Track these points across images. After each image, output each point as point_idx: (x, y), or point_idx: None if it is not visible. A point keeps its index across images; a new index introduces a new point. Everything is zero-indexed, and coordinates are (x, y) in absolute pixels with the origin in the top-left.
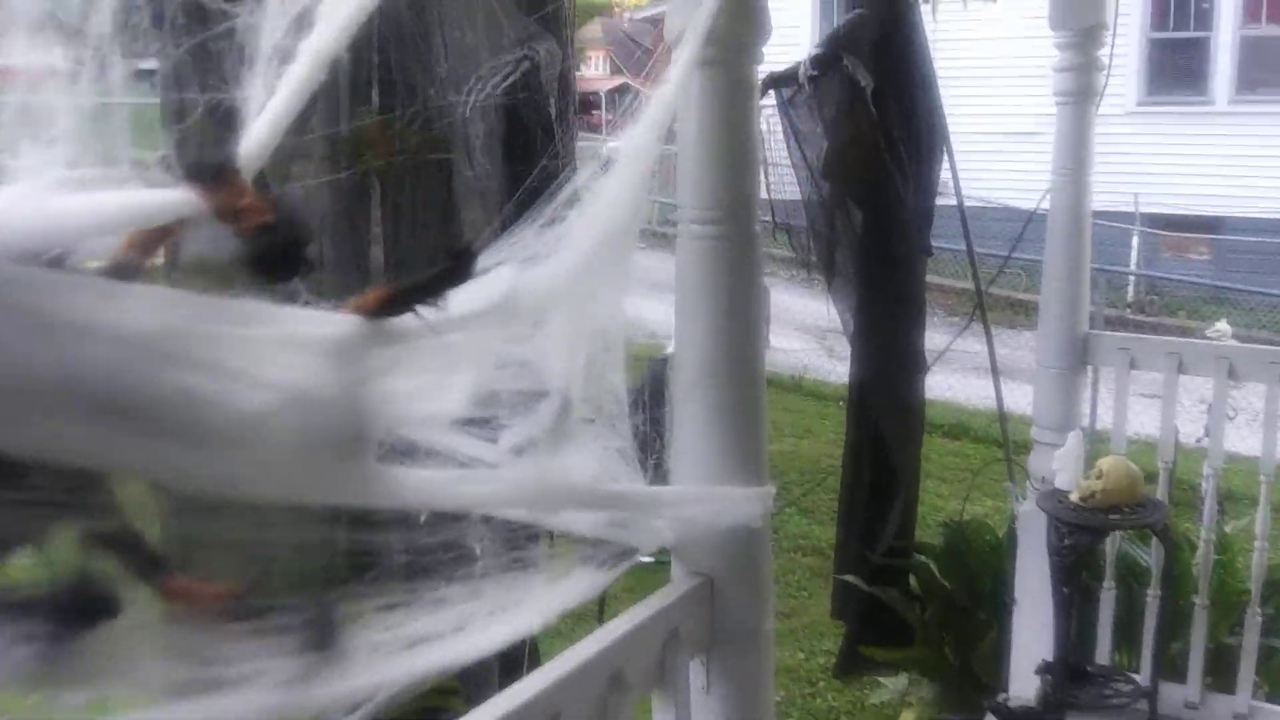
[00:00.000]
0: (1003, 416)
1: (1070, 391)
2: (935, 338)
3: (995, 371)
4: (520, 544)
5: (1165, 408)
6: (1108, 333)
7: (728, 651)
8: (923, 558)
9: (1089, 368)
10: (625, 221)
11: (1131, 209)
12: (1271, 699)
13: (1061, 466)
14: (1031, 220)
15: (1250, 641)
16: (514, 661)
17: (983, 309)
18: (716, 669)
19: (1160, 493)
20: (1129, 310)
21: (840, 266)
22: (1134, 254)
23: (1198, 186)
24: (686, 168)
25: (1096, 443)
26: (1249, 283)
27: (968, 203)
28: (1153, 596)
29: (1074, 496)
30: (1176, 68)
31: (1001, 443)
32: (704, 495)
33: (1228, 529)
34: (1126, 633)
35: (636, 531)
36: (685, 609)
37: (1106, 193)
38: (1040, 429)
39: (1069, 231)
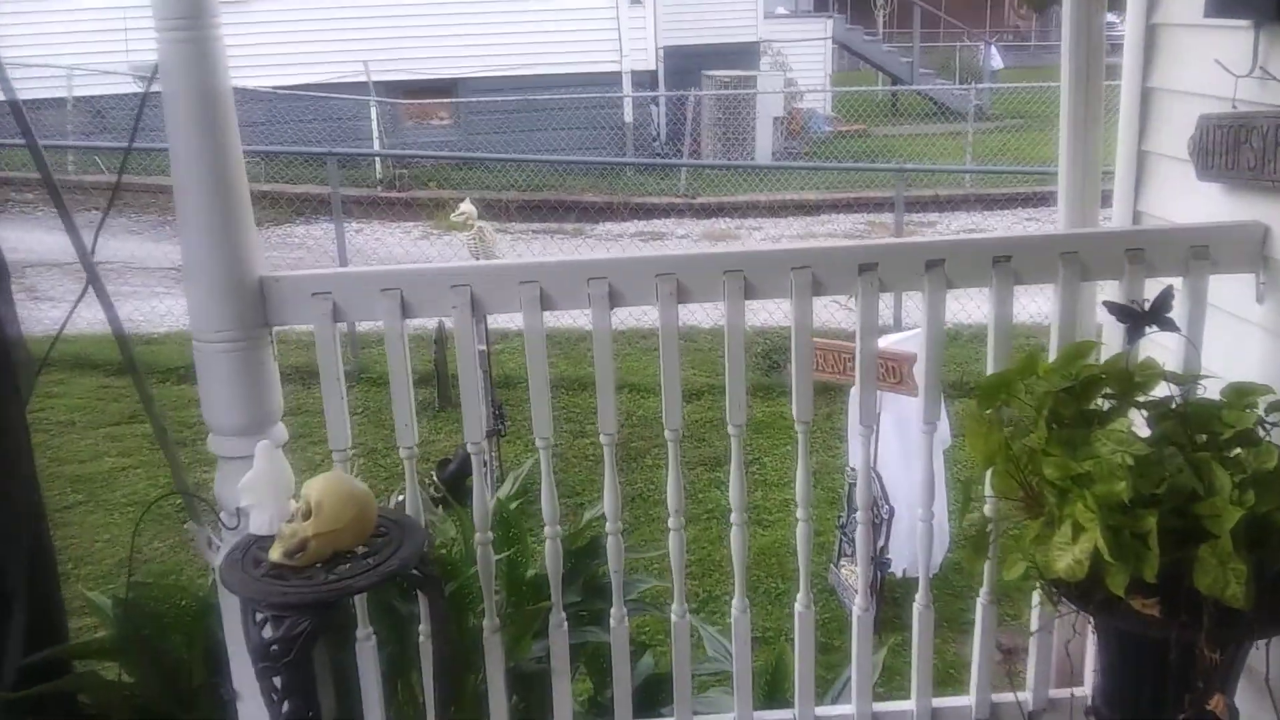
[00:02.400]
0: (144, 392)
1: (250, 373)
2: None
3: (102, 295)
4: None
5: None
6: (289, 273)
7: None
8: (86, 663)
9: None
10: None
11: (364, 78)
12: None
13: (255, 500)
14: (146, 103)
15: (559, 649)
16: None
17: (62, 204)
18: None
19: (408, 503)
20: (380, 188)
21: None
22: (374, 126)
23: (430, 49)
24: None
25: None
26: (491, 144)
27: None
28: (424, 637)
29: (275, 554)
30: None
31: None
32: None
33: (508, 487)
34: (408, 681)
35: None
36: None
37: (335, 63)
38: (219, 437)
39: (199, 120)
